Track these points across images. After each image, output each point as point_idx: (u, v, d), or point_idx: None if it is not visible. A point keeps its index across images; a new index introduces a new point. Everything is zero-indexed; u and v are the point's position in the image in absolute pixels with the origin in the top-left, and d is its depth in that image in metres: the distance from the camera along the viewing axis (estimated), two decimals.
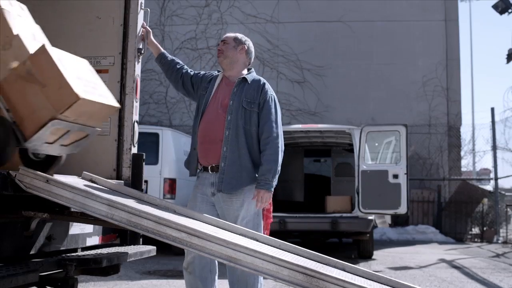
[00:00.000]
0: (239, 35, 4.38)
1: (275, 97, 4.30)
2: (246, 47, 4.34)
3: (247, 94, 4.18)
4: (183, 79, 4.48)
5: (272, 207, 4.44)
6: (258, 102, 4.19)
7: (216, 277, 4.21)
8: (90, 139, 3.54)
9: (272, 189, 4.08)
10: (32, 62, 3.19)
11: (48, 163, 3.48)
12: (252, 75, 4.32)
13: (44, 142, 3.21)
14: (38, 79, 3.16)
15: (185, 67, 4.54)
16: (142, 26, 4.55)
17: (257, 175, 4.14)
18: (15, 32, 3.30)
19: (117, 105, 3.52)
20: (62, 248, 3.93)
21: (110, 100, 3.47)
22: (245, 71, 4.35)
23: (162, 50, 4.58)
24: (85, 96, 3.15)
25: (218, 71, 4.46)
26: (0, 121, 3.17)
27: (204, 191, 4.18)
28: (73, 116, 3.21)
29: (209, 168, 4.18)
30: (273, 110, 4.21)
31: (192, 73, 4.49)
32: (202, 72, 4.53)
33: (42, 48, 3.21)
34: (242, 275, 4.04)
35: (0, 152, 3.17)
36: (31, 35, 3.42)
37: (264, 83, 4.27)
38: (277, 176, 4.12)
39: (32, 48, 3.29)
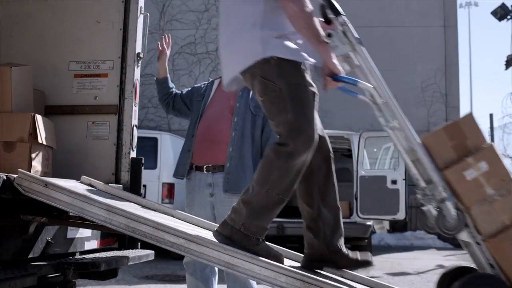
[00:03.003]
0: None
1: None
2: None
3: (253, 99, 4.17)
4: (174, 100, 4.52)
5: None
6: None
7: (216, 277, 4.19)
8: None
9: None
10: None
11: None
12: None
13: None
14: None
15: (176, 90, 4.59)
16: (160, 47, 4.57)
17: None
18: None
19: None
20: (60, 252, 3.93)
21: None
22: None
23: (168, 75, 4.61)
24: None
25: (211, 80, 4.50)
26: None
27: (201, 193, 4.16)
28: None
29: (204, 168, 4.15)
30: None
31: (181, 92, 4.55)
32: (190, 88, 4.59)
33: None
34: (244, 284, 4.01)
35: None
36: None
37: None
38: None
39: None
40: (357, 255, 3.23)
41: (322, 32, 3.04)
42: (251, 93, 4.18)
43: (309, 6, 3.04)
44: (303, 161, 3.02)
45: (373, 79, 3.15)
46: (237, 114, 4.17)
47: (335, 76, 3.12)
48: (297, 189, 3.26)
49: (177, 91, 4.56)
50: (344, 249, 3.22)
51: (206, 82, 4.50)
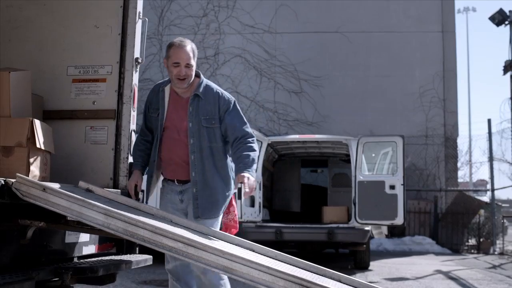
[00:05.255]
0: (193, 47, 4.09)
1: (235, 100, 4.19)
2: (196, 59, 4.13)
3: (204, 111, 4.05)
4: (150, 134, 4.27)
5: (237, 217, 4.38)
6: (218, 116, 4.06)
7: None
8: None
9: (254, 175, 3.89)
10: None
11: None
12: (203, 86, 4.11)
13: None
14: None
15: (145, 143, 4.28)
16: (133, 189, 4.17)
17: (227, 192, 4.12)
18: None
19: None
20: (58, 257, 3.92)
21: None
22: (195, 81, 4.13)
23: (140, 171, 4.24)
24: None
25: (158, 84, 4.27)
26: None
27: (173, 199, 4.14)
28: None
29: (175, 180, 4.15)
30: (239, 115, 4.11)
31: (147, 122, 4.28)
32: (145, 105, 4.28)
33: None
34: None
35: None
36: None
37: (218, 94, 4.11)
38: (255, 166, 3.96)
39: None
40: None
41: None
42: (200, 106, 4.05)
43: None
44: None
45: None
46: (192, 136, 4.04)
47: None
48: None
49: (143, 139, 4.29)
50: None
51: (156, 87, 4.25)
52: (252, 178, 3.84)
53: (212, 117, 4.06)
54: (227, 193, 4.13)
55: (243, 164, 3.92)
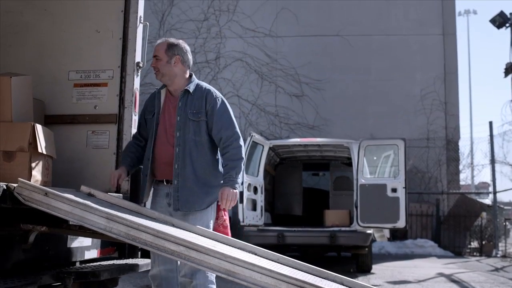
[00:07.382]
0: (170, 42, 4.15)
1: (223, 98, 4.18)
2: (180, 58, 4.13)
3: (192, 106, 4.07)
4: (142, 140, 4.29)
5: (228, 221, 4.28)
6: (205, 110, 4.06)
7: None
8: None
9: (237, 187, 3.96)
10: None
11: None
12: (194, 84, 4.16)
13: None
14: None
15: (135, 145, 4.30)
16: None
17: (210, 188, 4.06)
18: None
19: None
20: (60, 261, 3.92)
21: None
22: (186, 81, 4.18)
23: (126, 167, 4.20)
24: None
25: (157, 88, 4.29)
26: None
27: (161, 203, 4.12)
28: None
29: (164, 181, 4.12)
30: (225, 113, 4.10)
31: (140, 129, 4.32)
32: (142, 108, 4.33)
33: None
34: None
35: None
36: None
37: (207, 90, 4.13)
38: (241, 174, 4.06)
39: None
40: None
41: None
42: (188, 101, 4.07)
43: None
44: None
45: None
46: (179, 129, 4.05)
47: None
48: None
49: (138, 136, 4.32)
50: None
51: (154, 91, 4.29)
52: (231, 191, 3.93)
53: (199, 111, 4.06)
54: (210, 189, 4.06)
55: (226, 177, 3.98)
